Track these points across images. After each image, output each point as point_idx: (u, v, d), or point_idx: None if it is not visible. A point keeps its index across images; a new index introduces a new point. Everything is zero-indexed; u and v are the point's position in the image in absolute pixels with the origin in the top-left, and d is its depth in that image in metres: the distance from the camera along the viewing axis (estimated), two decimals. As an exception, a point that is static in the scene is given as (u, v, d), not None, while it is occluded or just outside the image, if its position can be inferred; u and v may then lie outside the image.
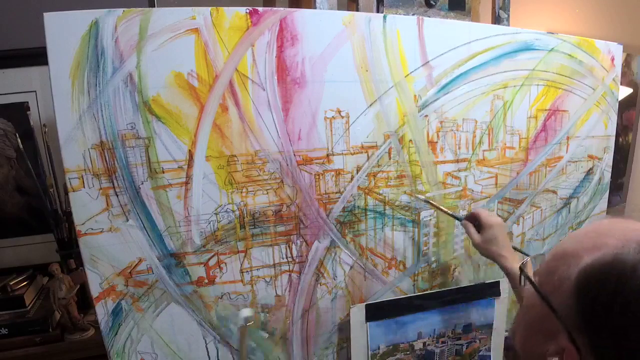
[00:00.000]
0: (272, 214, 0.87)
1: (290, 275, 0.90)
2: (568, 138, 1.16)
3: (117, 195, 0.76)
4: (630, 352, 0.38)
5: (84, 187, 0.74)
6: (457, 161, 1.02)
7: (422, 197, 0.98)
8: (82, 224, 0.75)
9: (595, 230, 0.44)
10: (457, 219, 0.97)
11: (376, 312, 0.96)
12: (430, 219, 1.02)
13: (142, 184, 0.77)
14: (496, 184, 1.08)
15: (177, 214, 0.80)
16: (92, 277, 0.77)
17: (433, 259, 1.04)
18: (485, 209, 1.01)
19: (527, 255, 0.72)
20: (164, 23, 0.74)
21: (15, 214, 1.32)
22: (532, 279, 0.48)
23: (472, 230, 0.93)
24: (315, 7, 0.93)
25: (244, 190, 0.84)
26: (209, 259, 0.84)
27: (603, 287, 0.39)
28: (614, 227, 0.43)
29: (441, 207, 0.98)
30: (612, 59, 1.18)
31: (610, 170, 1.26)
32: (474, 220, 0.94)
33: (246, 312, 0.85)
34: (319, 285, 0.93)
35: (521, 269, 0.52)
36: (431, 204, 0.99)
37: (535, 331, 0.48)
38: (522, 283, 0.52)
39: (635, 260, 0.38)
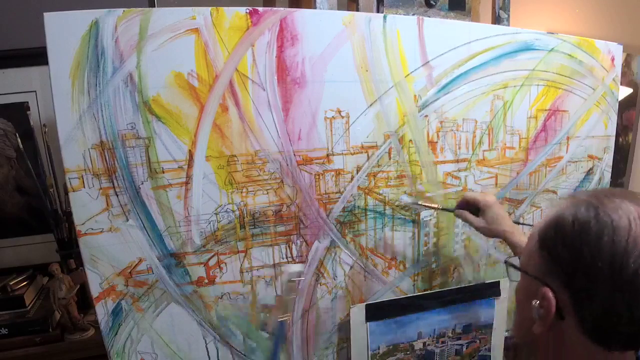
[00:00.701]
0: (272, 214, 0.87)
1: (290, 275, 0.90)
2: (568, 138, 1.16)
3: (117, 195, 0.76)
4: (584, 270, 0.48)
5: (84, 187, 0.74)
6: (457, 161, 1.02)
7: (409, 200, 0.97)
8: (82, 224, 0.75)
9: (548, 210, 0.57)
10: (450, 210, 0.96)
11: (376, 312, 0.96)
12: (430, 219, 1.02)
13: (142, 184, 0.77)
14: (496, 184, 1.08)
15: (177, 214, 0.80)
16: (92, 277, 0.77)
17: (433, 259, 1.04)
18: (477, 191, 1.00)
19: (530, 225, 0.96)
20: (164, 23, 0.74)
21: (15, 214, 1.32)
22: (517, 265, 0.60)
23: (471, 216, 0.91)
24: (315, 7, 0.93)
25: (244, 190, 0.84)
26: (209, 259, 0.84)
27: (556, 234, 0.51)
28: (560, 201, 0.56)
29: (432, 205, 0.97)
30: (612, 59, 1.18)
31: (610, 170, 1.26)
32: (469, 205, 0.92)
33: (296, 267, 0.86)
34: (319, 285, 0.93)
35: (505, 261, 0.62)
36: (420, 205, 0.98)
37: (523, 302, 0.57)
38: (509, 276, 0.62)
39: (571, 211, 0.50)
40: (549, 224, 0.53)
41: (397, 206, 0.97)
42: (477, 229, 0.91)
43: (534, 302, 0.53)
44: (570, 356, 0.53)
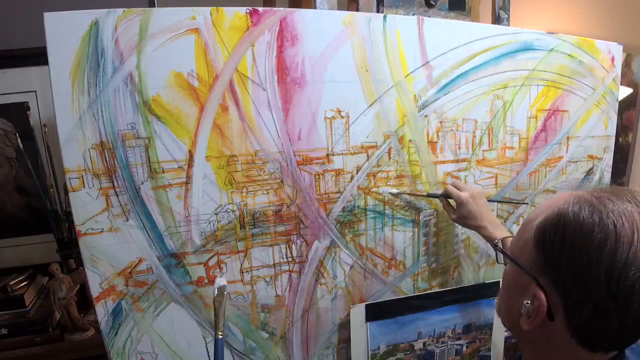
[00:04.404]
0: (272, 214, 0.87)
1: (290, 275, 0.90)
2: (568, 138, 1.16)
3: (117, 195, 0.76)
4: (580, 277, 0.47)
5: (84, 187, 0.74)
6: (457, 161, 1.02)
7: (388, 190, 0.96)
8: (82, 224, 0.75)
9: (545, 201, 0.54)
10: (435, 196, 0.97)
11: (376, 312, 0.96)
12: (430, 219, 1.02)
13: (142, 184, 0.77)
14: (496, 184, 1.08)
15: (177, 214, 0.80)
16: (92, 277, 0.77)
17: (433, 259, 1.04)
18: (458, 181, 1.00)
19: (523, 202, 0.99)
20: (164, 23, 0.74)
21: (15, 214, 1.32)
22: (506, 250, 0.57)
23: (448, 207, 0.94)
24: (315, 7, 0.93)
25: (244, 190, 0.84)
26: (209, 259, 0.84)
27: (554, 234, 0.49)
28: (559, 196, 0.53)
29: (417, 193, 0.98)
30: (612, 59, 1.18)
31: (610, 170, 1.26)
32: (449, 196, 0.94)
33: (221, 281, 0.79)
34: (319, 285, 0.93)
35: (495, 245, 0.62)
36: (400, 193, 0.97)
37: (511, 292, 0.56)
38: (497, 259, 0.61)
39: (573, 210, 0.48)
40: (548, 222, 0.50)
41: (397, 206, 0.97)
42: (452, 220, 0.94)
43: (525, 302, 0.52)
44: (553, 354, 0.53)
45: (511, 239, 0.59)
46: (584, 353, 0.50)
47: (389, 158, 0.94)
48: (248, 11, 0.78)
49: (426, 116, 0.96)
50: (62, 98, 0.71)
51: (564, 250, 0.48)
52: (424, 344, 1.04)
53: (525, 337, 0.56)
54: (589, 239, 0.46)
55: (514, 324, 0.55)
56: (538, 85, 1.09)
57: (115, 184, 0.76)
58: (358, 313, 0.94)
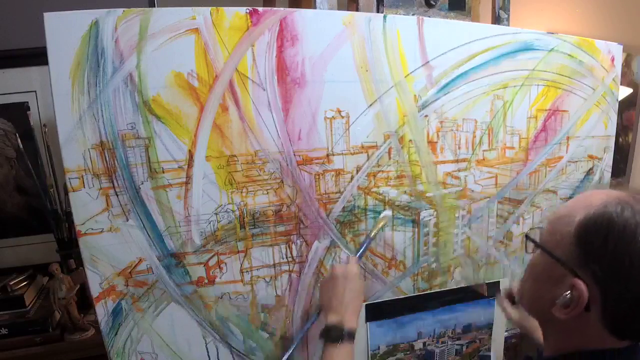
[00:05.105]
0: (272, 214, 0.87)
1: (290, 275, 0.90)
2: (568, 138, 1.16)
3: (117, 195, 0.76)
4: (621, 275, 0.50)
5: (84, 187, 0.74)
6: (457, 161, 1.02)
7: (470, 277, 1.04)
8: (82, 224, 0.75)
9: (581, 198, 0.58)
10: (491, 295, 1.02)
11: (376, 312, 0.96)
12: (430, 219, 1.02)
13: (142, 184, 0.77)
14: (496, 184, 1.08)
15: (177, 214, 0.80)
16: (92, 277, 0.77)
17: (433, 259, 1.04)
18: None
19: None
20: (164, 23, 0.74)
21: (15, 214, 1.32)
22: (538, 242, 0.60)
23: (508, 306, 0.95)
24: (315, 7, 0.93)
25: (244, 190, 0.84)
26: (209, 259, 0.84)
27: (597, 233, 0.52)
28: (594, 194, 0.56)
29: (479, 284, 1.04)
30: (612, 59, 1.18)
31: (610, 170, 1.26)
32: (510, 295, 0.95)
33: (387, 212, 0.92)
34: (318, 285, 0.93)
35: (527, 235, 0.63)
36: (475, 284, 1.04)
37: (542, 282, 0.59)
38: (526, 248, 0.64)
39: (617, 211, 0.51)
40: (592, 221, 0.53)
41: (397, 206, 0.97)
42: (510, 318, 0.95)
43: (565, 293, 0.54)
44: (582, 340, 0.56)
45: (538, 230, 0.63)
46: (611, 340, 0.54)
47: (389, 158, 0.94)
48: (248, 11, 0.78)
49: (426, 116, 0.96)
50: (62, 98, 0.71)
51: (607, 249, 0.51)
52: (424, 344, 1.04)
53: (554, 324, 0.58)
54: (632, 241, 0.50)
55: (542, 312, 0.59)
56: (538, 85, 1.09)
57: (115, 184, 0.76)
58: (358, 313, 0.94)
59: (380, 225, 0.93)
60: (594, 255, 0.52)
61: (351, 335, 0.77)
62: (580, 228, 0.53)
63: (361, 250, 0.90)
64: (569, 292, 0.53)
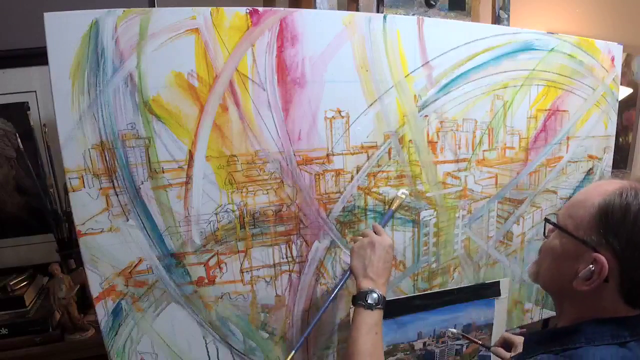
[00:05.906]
0: (272, 214, 0.87)
1: (290, 275, 0.90)
2: (568, 138, 1.16)
3: (117, 195, 0.76)
4: (638, 247, 0.58)
5: (84, 187, 0.74)
6: (457, 161, 1.02)
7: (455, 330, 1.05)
8: (82, 224, 0.75)
9: (594, 186, 0.65)
10: (487, 347, 0.99)
11: (376, 312, 0.96)
12: (430, 219, 1.02)
13: (142, 184, 0.77)
14: (496, 184, 1.08)
15: (177, 214, 0.80)
16: (92, 277, 0.77)
17: (433, 259, 1.04)
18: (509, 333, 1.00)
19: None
20: (164, 23, 0.74)
21: (15, 214, 1.32)
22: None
23: (504, 353, 0.93)
24: (315, 7, 0.93)
25: (244, 190, 0.84)
26: (209, 259, 0.84)
27: (616, 213, 0.59)
28: (608, 183, 0.63)
29: (475, 340, 1.03)
30: (612, 59, 1.18)
31: (610, 170, 1.26)
32: (505, 343, 0.94)
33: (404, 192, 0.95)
34: (319, 285, 0.93)
35: (547, 219, 0.69)
36: (465, 337, 1.04)
37: (562, 260, 0.64)
38: (545, 232, 0.71)
39: (632, 195, 0.59)
40: (611, 204, 0.60)
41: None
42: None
43: (589, 267, 0.60)
44: (598, 309, 0.62)
45: (553, 216, 0.70)
46: (624, 309, 0.61)
47: (389, 158, 0.94)
48: (248, 11, 0.78)
49: (426, 116, 0.96)
50: (62, 98, 0.71)
51: (625, 227, 0.58)
52: (424, 344, 1.04)
53: (573, 297, 0.64)
54: None
55: (561, 286, 0.65)
56: (538, 85, 1.09)
57: (115, 184, 0.76)
58: (358, 313, 0.94)
59: (398, 202, 0.95)
60: (614, 232, 0.59)
61: (384, 303, 0.80)
62: (602, 209, 0.60)
63: (384, 223, 0.92)
64: (591, 265, 0.59)
